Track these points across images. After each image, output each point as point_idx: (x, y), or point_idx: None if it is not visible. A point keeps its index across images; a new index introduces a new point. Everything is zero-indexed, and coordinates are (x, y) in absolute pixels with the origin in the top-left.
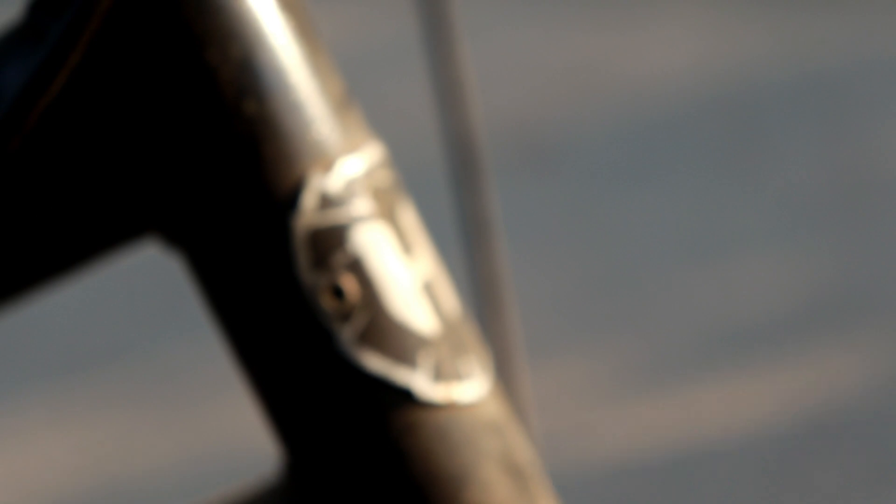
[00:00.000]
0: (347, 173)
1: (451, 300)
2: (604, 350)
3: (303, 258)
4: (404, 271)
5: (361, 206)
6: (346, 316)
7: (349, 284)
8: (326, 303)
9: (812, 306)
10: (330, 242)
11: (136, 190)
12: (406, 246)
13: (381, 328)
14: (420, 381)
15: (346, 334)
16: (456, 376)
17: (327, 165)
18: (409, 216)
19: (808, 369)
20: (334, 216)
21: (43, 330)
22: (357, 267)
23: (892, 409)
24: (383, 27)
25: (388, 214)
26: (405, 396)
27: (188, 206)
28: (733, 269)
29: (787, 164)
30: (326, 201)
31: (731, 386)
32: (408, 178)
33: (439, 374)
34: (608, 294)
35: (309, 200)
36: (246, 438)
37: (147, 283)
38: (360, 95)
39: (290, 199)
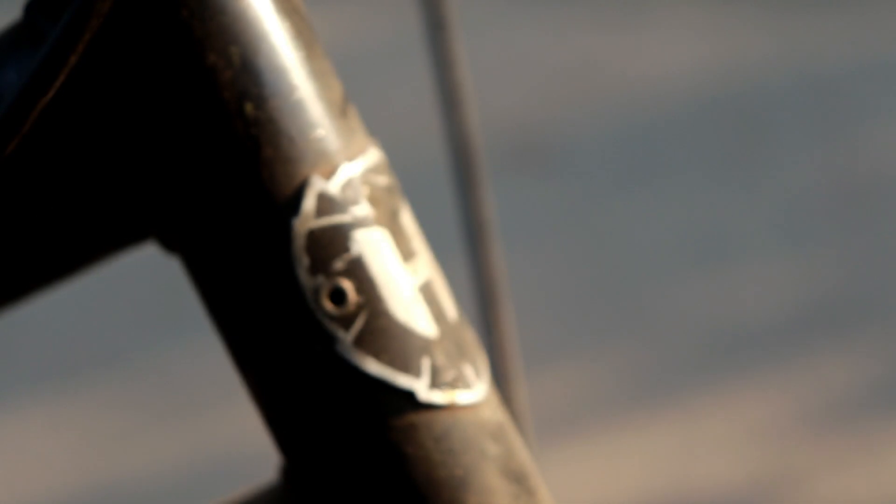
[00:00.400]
0: (347, 177)
1: (449, 304)
2: (602, 355)
3: (304, 261)
4: (404, 275)
5: (361, 209)
6: (346, 319)
7: (349, 288)
8: (327, 306)
9: (813, 311)
10: (331, 246)
11: (135, 193)
12: (405, 250)
13: (381, 331)
14: (420, 384)
15: (346, 337)
16: (455, 380)
17: (328, 169)
18: (408, 220)
19: (809, 374)
20: (335, 220)
21: (41, 332)
22: (357, 270)
23: (893, 412)
24: (380, 28)
25: (387, 218)
26: (405, 399)
27: (188, 209)
28: (733, 272)
29: (787, 167)
30: (327, 205)
31: (730, 391)
32: (405, 181)
33: (439, 378)
34: (607, 298)
35: (310, 203)
36: (246, 442)
37: (146, 285)
38: (355, 97)
39: (291, 202)
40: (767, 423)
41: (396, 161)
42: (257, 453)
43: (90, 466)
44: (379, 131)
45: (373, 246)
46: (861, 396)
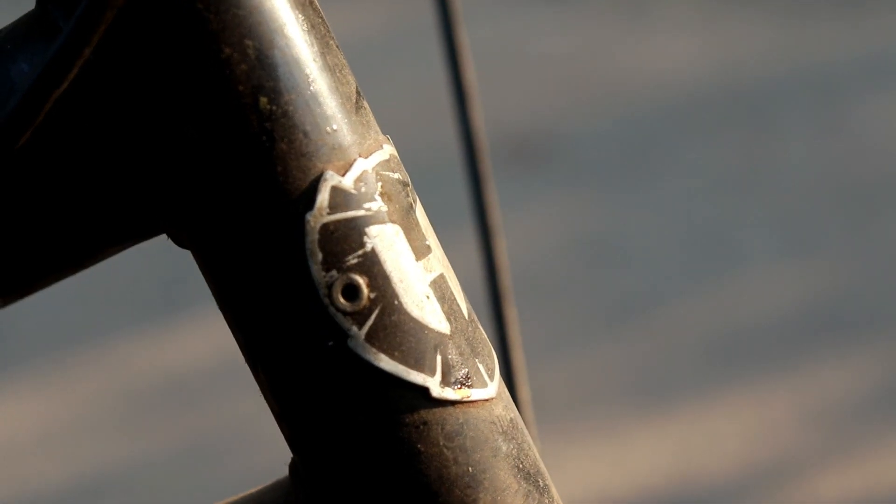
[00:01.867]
0: (361, 172)
1: (462, 300)
2: (601, 353)
3: (317, 256)
4: (417, 271)
5: (375, 205)
6: (359, 314)
7: (363, 283)
8: (340, 301)
9: (814, 310)
10: (344, 241)
11: (149, 186)
12: (419, 246)
13: (394, 327)
14: (432, 381)
15: (359, 333)
16: (467, 376)
17: (342, 164)
18: (421, 216)
19: (808, 375)
20: (349, 215)
21: (35, 319)
22: (371, 266)
23: (886, 421)
24: (390, 23)
25: (401, 214)
26: (418, 395)
27: (202, 203)
28: (734, 270)
29: (789, 165)
30: (341, 200)
31: (731, 391)
32: (414, 176)
33: (451, 374)
34: (606, 295)
35: (324, 198)
36: (239, 432)
37: (139, 273)
38: (366, 91)
39: (305, 196)
40: (767, 424)
41: (405, 155)
42: (249, 443)
43: (84, 454)
44: (388, 125)
45: (387, 241)
46: (862, 400)
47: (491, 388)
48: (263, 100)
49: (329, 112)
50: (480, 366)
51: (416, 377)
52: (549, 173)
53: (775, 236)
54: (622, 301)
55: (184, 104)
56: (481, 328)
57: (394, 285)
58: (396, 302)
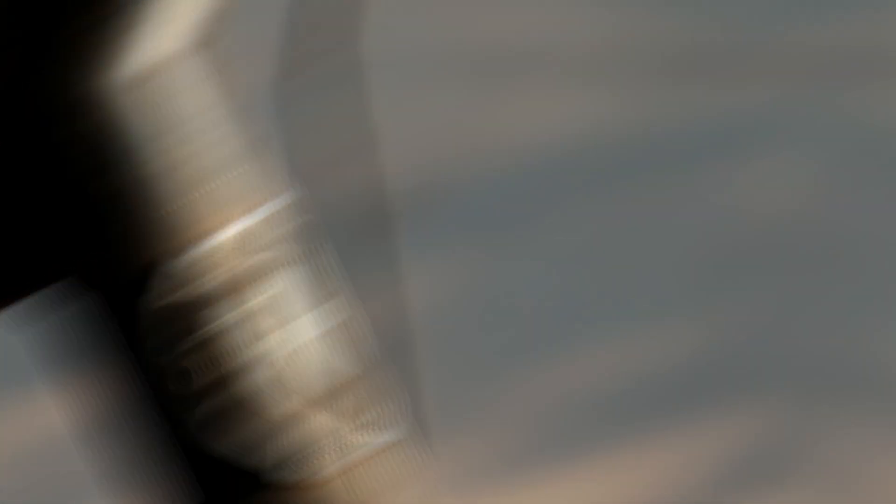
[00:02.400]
0: (204, 250)
1: (344, 358)
2: (480, 420)
3: (152, 341)
4: (260, 351)
5: (215, 285)
6: (195, 399)
7: (197, 367)
8: (175, 386)
9: (693, 374)
10: (180, 324)
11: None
12: (266, 324)
13: (232, 410)
14: (269, 464)
15: (195, 417)
16: (305, 459)
17: (181, 244)
18: (303, 273)
19: (687, 440)
20: (185, 296)
21: None
22: (209, 348)
23: (766, 479)
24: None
25: (248, 289)
26: (254, 480)
27: (70, 273)
28: (609, 338)
29: (666, 225)
30: (177, 282)
31: (608, 460)
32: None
33: (289, 458)
34: (489, 354)
35: (161, 282)
36: None
37: None
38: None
39: (141, 280)
40: (643, 485)
41: (300, 208)
42: None
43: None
44: (290, 177)
45: (226, 324)
46: (739, 459)
47: (331, 468)
48: (96, 182)
49: (170, 193)
50: (325, 445)
51: (253, 461)
52: (435, 228)
53: (658, 295)
54: (509, 358)
55: (19, 187)
56: (340, 402)
57: (233, 366)
58: (234, 384)
